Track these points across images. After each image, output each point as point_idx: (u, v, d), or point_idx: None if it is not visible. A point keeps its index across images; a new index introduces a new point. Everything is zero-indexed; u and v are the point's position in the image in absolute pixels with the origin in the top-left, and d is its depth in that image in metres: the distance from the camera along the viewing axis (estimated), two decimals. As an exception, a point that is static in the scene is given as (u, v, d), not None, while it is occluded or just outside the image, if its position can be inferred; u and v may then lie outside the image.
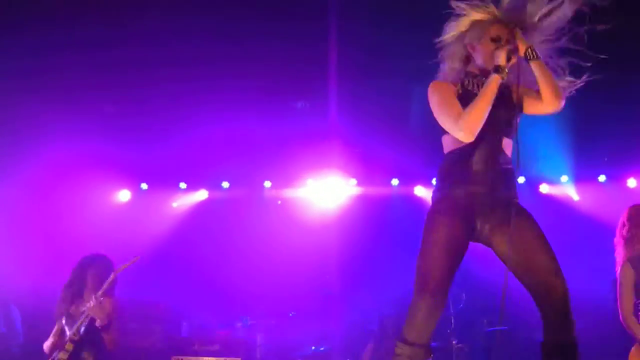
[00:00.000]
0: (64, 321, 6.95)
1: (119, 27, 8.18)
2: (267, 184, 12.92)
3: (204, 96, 9.87)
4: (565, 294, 4.07)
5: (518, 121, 4.42)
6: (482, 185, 4.25)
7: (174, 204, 13.35)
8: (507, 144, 4.38)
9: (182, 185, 13.10)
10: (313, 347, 10.18)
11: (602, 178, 12.16)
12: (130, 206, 12.87)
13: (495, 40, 4.33)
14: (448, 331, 9.99)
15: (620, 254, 6.73)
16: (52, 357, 6.74)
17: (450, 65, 4.54)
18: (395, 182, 12.66)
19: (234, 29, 8.36)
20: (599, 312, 10.29)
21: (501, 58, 4.20)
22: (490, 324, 11.63)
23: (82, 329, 6.67)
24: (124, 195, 12.99)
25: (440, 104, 4.36)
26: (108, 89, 9.74)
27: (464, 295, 10.23)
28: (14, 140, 10.12)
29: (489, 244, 4.38)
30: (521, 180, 12.36)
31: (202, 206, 13.32)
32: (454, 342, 9.79)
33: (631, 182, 11.94)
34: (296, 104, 10.32)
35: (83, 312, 6.75)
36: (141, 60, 8.88)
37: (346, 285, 11.99)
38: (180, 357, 9.93)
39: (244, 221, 12.66)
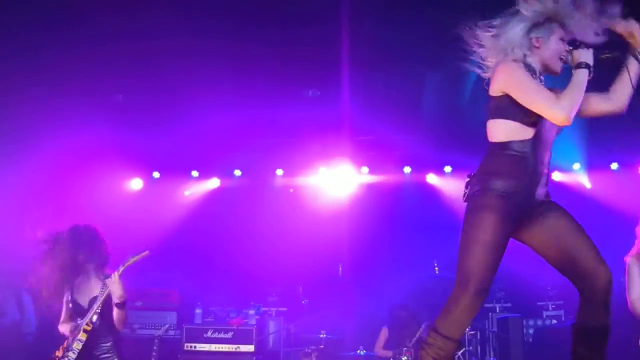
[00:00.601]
0: (71, 307, 6.81)
1: (130, 18, 8.18)
2: (279, 172, 12.92)
3: (216, 85, 9.86)
4: (609, 281, 4.14)
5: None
6: (538, 185, 4.29)
7: (186, 193, 13.37)
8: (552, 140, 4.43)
9: (194, 173, 13.12)
10: (324, 335, 10.18)
11: (614, 166, 12.13)
12: (143, 194, 12.89)
13: (571, 43, 4.36)
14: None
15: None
16: (67, 348, 6.62)
17: (509, 54, 4.43)
18: (407, 169, 12.64)
19: (245, 18, 8.36)
20: (613, 300, 10.26)
21: (590, 58, 4.26)
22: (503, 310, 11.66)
23: (95, 317, 6.54)
24: (136, 184, 13.02)
25: (529, 84, 4.24)
26: (120, 78, 9.76)
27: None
28: (27, 129, 10.15)
29: (526, 241, 4.42)
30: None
31: (214, 194, 13.33)
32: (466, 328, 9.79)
33: (644, 170, 11.91)
34: (308, 92, 10.30)
35: (95, 298, 6.64)
36: (153, 49, 8.89)
37: (358, 273, 12.01)
38: (193, 345, 9.97)
39: (256, 209, 12.68)
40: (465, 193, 4.41)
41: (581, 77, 4.20)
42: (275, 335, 11.02)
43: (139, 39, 8.59)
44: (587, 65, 4.22)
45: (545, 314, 11.71)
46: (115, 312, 6.58)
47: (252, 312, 10.53)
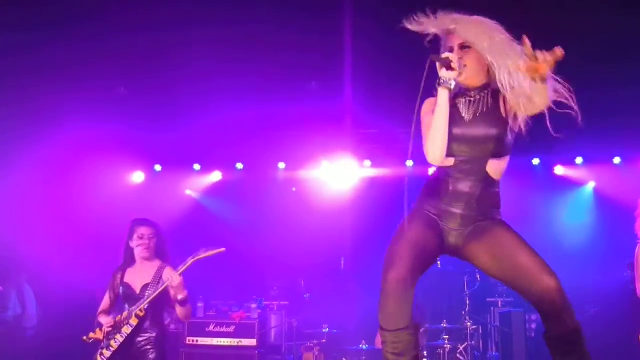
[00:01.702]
0: (121, 291, 6.71)
1: (132, 11, 8.16)
2: (281, 165, 12.89)
3: (218, 78, 9.84)
4: (559, 289, 3.93)
5: (506, 137, 4.17)
6: (456, 206, 4.20)
7: (187, 191, 13.36)
8: (493, 165, 4.20)
9: (196, 166, 13.09)
10: (327, 329, 10.17)
11: (617, 160, 12.10)
12: (144, 187, 12.87)
13: (450, 51, 4.16)
14: (463, 312, 9.99)
15: None
16: (112, 330, 6.51)
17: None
18: (410, 163, 12.60)
19: (247, 10, 8.34)
20: (614, 295, 10.27)
21: (438, 68, 4.06)
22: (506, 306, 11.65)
23: (147, 306, 6.47)
24: (137, 177, 13.00)
25: (424, 128, 4.27)
26: (123, 71, 9.75)
27: (478, 277, 10.22)
28: (29, 123, 10.14)
29: (467, 259, 4.32)
30: (536, 162, 12.33)
31: (216, 188, 13.31)
32: (468, 323, 9.78)
33: (647, 164, 11.88)
34: (310, 84, 10.27)
35: (146, 285, 6.60)
36: (155, 42, 8.87)
37: (360, 266, 11.99)
38: (195, 339, 9.97)
39: (258, 203, 12.66)
40: None
41: (439, 101, 4.07)
42: (278, 330, 11.04)
43: (141, 32, 8.58)
44: (439, 82, 4.07)
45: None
46: (179, 309, 6.61)
47: (254, 306, 10.53)
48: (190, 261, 6.53)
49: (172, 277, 6.40)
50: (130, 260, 6.88)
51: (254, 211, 12.58)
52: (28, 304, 10.96)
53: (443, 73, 4.03)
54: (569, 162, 12.43)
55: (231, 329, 10.09)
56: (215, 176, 13.30)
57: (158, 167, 12.95)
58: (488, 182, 4.21)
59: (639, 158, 11.86)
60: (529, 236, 4.17)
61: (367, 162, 12.59)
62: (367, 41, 8.70)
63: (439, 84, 4.05)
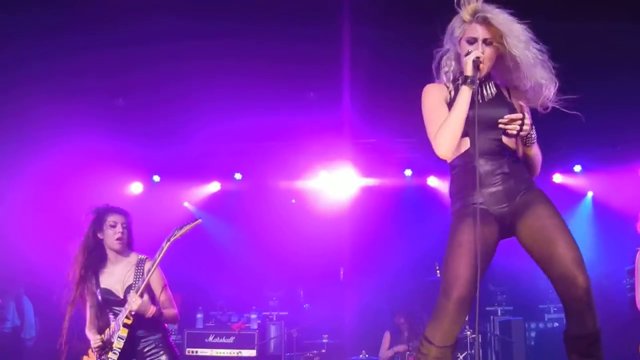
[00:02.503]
0: (100, 296, 5.93)
1: (130, 21, 8.17)
2: (280, 175, 12.88)
3: (215, 88, 9.85)
4: (587, 286, 3.94)
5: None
6: (493, 184, 4.18)
7: (185, 204, 13.35)
8: (510, 141, 4.25)
9: (195, 177, 13.08)
10: (326, 339, 10.17)
11: (615, 167, 12.10)
12: (143, 198, 12.86)
13: (470, 42, 4.22)
14: (462, 321, 9.97)
15: None
16: (102, 347, 5.82)
17: (448, 52, 4.42)
18: (408, 172, 12.63)
19: (245, 21, 8.34)
20: (613, 301, 10.27)
21: (468, 67, 4.10)
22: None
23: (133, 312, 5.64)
24: (136, 188, 12.99)
25: (425, 113, 4.32)
26: (120, 83, 9.74)
27: (477, 286, 10.21)
28: (28, 134, 10.14)
29: (518, 237, 4.28)
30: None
31: (214, 198, 13.30)
32: (468, 332, 9.78)
33: (645, 172, 11.89)
34: (308, 94, 10.28)
35: (130, 287, 5.83)
36: (153, 53, 8.88)
37: (359, 276, 12.00)
38: (194, 350, 9.97)
39: (257, 213, 12.66)
40: None
41: (458, 100, 4.11)
42: (277, 340, 11.02)
43: (140, 44, 8.58)
44: (464, 80, 4.12)
45: (547, 316, 11.72)
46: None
47: (253, 316, 10.53)
48: (165, 245, 5.78)
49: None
50: (100, 258, 6.09)
51: (252, 221, 12.58)
52: (27, 316, 10.96)
53: (470, 72, 4.08)
54: (568, 170, 12.45)
55: (231, 339, 10.10)
56: (214, 187, 13.30)
57: (157, 178, 12.94)
58: (509, 154, 4.25)
59: (637, 165, 11.88)
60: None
61: (366, 172, 12.58)
62: (365, 50, 8.72)
63: (464, 82, 4.09)
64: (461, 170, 4.28)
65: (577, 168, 12.33)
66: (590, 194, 12.78)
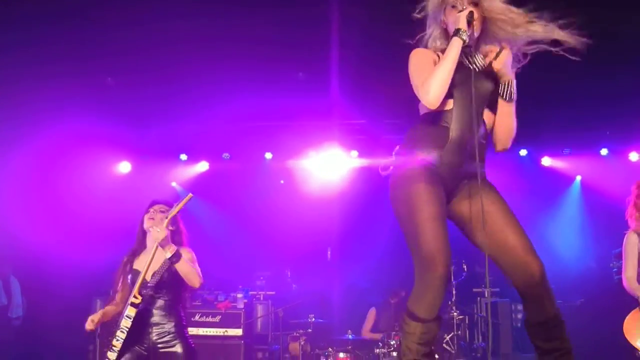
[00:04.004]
0: (129, 279, 5.93)
1: (118, 3, 8.13)
2: (268, 155, 12.87)
3: (204, 68, 9.82)
4: (542, 272, 3.96)
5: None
6: (457, 154, 4.17)
7: (173, 183, 13.33)
8: (488, 116, 4.31)
9: (183, 156, 13.06)
10: (313, 319, 10.17)
11: (604, 151, 12.12)
12: (131, 177, 12.83)
13: (454, 6, 4.29)
14: (449, 303, 10.00)
15: (632, 225, 6.77)
16: (116, 327, 5.63)
17: (432, 34, 4.46)
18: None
19: (233, 2, 8.30)
20: (601, 284, 10.31)
21: (461, 21, 4.14)
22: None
23: (148, 290, 5.75)
24: (124, 167, 12.95)
25: (413, 69, 4.30)
26: (109, 62, 9.69)
27: (465, 267, 10.24)
28: (15, 115, 10.08)
29: (452, 218, 4.31)
30: (523, 152, 12.36)
31: (202, 177, 13.28)
32: (455, 313, 9.79)
33: (633, 156, 11.91)
34: (297, 75, 10.24)
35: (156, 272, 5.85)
36: (142, 34, 8.83)
37: (347, 257, 12.01)
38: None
39: (245, 193, 12.65)
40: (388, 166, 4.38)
41: (450, 50, 4.13)
42: (264, 319, 11.03)
43: (128, 24, 8.54)
44: (455, 32, 4.15)
45: (533, 298, 11.74)
46: (177, 269, 5.77)
47: (240, 295, 10.52)
48: (166, 221, 5.74)
49: (155, 231, 5.67)
50: (140, 245, 6.18)
51: (240, 201, 12.57)
52: (14, 295, 10.95)
53: (463, 25, 4.12)
54: (557, 153, 12.47)
55: (217, 318, 10.09)
56: (202, 166, 13.27)
57: (145, 158, 12.90)
58: (483, 131, 4.27)
59: (626, 150, 11.90)
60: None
61: (354, 153, 12.56)
62: (354, 31, 8.69)
63: (456, 34, 4.13)
64: (432, 125, 4.26)
65: (566, 151, 12.34)
66: (578, 178, 12.81)
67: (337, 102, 10.59)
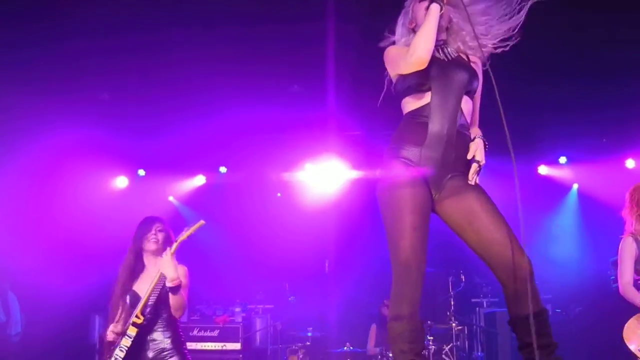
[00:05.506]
0: (128, 300, 5.95)
1: (116, 15, 8.13)
2: (265, 168, 12.83)
3: (200, 82, 9.82)
4: (529, 267, 3.98)
5: (476, 77, 4.38)
6: (437, 148, 4.18)
7: (170, 198, 13.32)
8: (466, 105, 4.32)
9: (180, 170, 13.04)
10: (311, 332, 10.17)
11: (600, 159, 12.10)
12: (128, 192, 12.82)
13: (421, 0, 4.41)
14: (448, 313, 9.99)
15: (628, 229, 6.74)
16: (115, 345, 5.70)
17: (404, 32, 4.59)
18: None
19: (228, 14, 8.31)
20: (599, 293, 10.29)
21: None
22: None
23: (147, 309, 5.75)
24: (121, 182, 12.94)
25: (393, 55, 4.42)
26: (105, 76, 9.69)
27: (463, 277, 10.23)
28: (11, 128, 10.06)
29: (440, 215, 4.32)
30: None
31: (199, 191, 13.27)
32: (453, 324, 9.78)
33: (629, 163, 11.90)
34: (292, 87, 10.24)
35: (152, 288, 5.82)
36: (138, 48, 8.83)
37: (345, 269, 12.00)
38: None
39: (242, 206, 12.64)
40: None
41: (430, 15, 4.16)
42: (262, 333, 11.02)
43: (124, 37, 8.54)
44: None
45: (532, 308, 11.72)
46: (170, 297, 5.81)
47: (238, 309, 10.52)
48: (175, 245, 5.91)
49: (163, 257, 5.80)
50: (138, 264, 6.21)
51: (238, 215, 12.55)
52: (12, 311, 10.92)
53: None
54: (553, 162, 12.46)
55: (215, 333, 10.08)
56: (199, 180, 13.26)
57: (142, 172, 12.90)
58: (462, 122, 4.28)
59: (622, 157, 11.90)
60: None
61: (351, 165, 12.55)
62: (349, 43, 8.69)
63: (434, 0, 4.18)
64: (411, 122, 4.31)
65: (563, 160, 12.33)
66: (575, 186, 12.80)
67: (333, 113, 10.58)
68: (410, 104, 4.33)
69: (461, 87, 4.26)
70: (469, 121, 4.35)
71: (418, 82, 4.24)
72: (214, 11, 8.23)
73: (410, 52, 4.13)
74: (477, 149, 4.26)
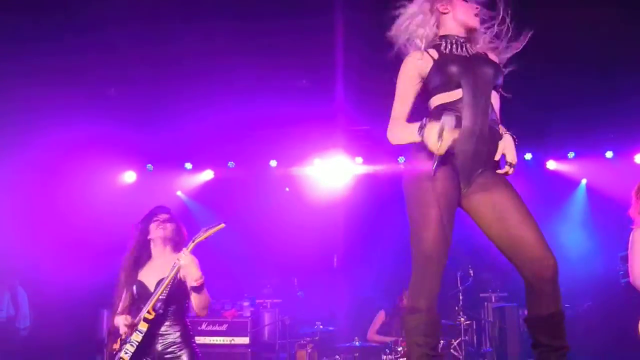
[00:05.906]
0: (135, 290, 5.94)
1: (121, 10, 8.13)
2: (273, 163, 12.84)
3: (208, 76, 9.82)
4: (556, 268, 4.01)
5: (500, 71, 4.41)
6: (470, 142, 4.18)
7: (178, 192, 13.33)
8: (495, 100, 4.33)
9: (188, 165, 13.05)
10: (320, 326, 10.15)
11: (609, 154, 12.08)
12: (136, 187, 12.83)
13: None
14: (456, 308, 9.97)
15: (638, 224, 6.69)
16: (124, 340, 5.69)
17: (422, 34, 4.48)
18: (402, 159, 12.58)
19: (236, 9, 8.30)
20: (608, 288, 10.27)
21: (432, 134, 4.01)
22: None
23: (159, 304, 5.69)
24: (129, 177, 12.96)
25: (396, 95, 4.52)
26: (112, 70, 9.69)
27: (471, 272, 10.21)
28: (19, 123, 10.08)
29: (467, 209, 4.33)
30: (528, 156, 12.32)
31: (207, 186, 13.27)
32: (462, 319, 9.76)
33: (638, 158, 11.86)
34: (300, 82, 10.23)
35: (160, 283, 5.79)
36: (144, 43, 8.83)
37: (353, 263, 11.98)
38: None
39: (250, 201, 12.62)
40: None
41: (416, 138, 4.12)
42: (270, 327, 11.01)
43: (132, 32, 8.55)
44: (421, 129, 4.07)
45: (541, 302, 11.70)
46: (194, 297, 5.84)
47: (246, 304, 10.52)
48: (191, 245, 5.78)
49: (181, 256, 5.70)
50: (143, 253, 6.18)
51: (246, 209, 12.54)
52: (21, 306, 10.95)
53: (432, 143, 3.99)
54: (562, 157, 12.43)
55: (224, 327, 10.08)
56: (207, 175, 13.26)
57: (150, 167, 12.90)
58: (493, 117, 4.29)
59: (631, 152, 11.87)
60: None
61: (359, 159, 12.54)
62: (358, 37, 8.67)
63: (421, 129, 4.08)
64: (442, 115, 4.20)
65: (571, 155, 12.30)
66: (584, 181, 12.77)
67: (341, 108, 10.56)
68: (439, 99, 4.32)
69: (488, 82, 4.27)
70: (497, 113, 4.36)
71: (445, 80, 4.26)
72: (222, 5, 8.23)
73: (390, 132, 4.42)
74: (507, 147, 4.26)
